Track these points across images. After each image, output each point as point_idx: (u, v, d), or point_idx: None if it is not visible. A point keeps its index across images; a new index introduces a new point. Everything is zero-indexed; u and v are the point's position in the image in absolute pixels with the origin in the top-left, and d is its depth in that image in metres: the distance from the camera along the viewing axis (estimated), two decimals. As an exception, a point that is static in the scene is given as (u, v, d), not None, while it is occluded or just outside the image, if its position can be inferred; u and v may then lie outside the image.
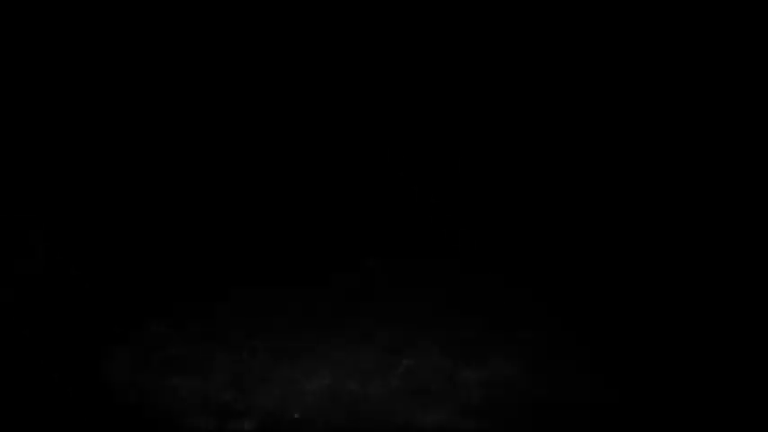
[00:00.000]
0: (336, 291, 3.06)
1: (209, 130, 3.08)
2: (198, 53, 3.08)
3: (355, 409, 2.82)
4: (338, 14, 3.09)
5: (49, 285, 2.99)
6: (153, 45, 3.05)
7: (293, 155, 3.08)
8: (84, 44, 3.05)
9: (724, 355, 2.97)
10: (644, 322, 3.03)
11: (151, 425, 2.81)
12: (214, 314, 3.04)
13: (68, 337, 2.92)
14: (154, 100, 3.06)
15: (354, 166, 3.08)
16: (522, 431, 2.79)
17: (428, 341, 2.98)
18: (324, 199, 3.08)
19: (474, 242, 3.08)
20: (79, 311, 2.97)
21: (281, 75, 3.09)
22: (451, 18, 3.10)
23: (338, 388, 2.87)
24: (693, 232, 3.10)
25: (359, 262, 3.08)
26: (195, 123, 3.07)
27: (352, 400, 2.85)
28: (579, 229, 3.09)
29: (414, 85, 3.10)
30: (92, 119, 3.06)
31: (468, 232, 3.09)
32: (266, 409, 2.83)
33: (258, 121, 3.09)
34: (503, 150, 3.10)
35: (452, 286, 3.07)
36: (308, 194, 3.07)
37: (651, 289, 3.08)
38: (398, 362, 2.94)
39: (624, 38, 3.10)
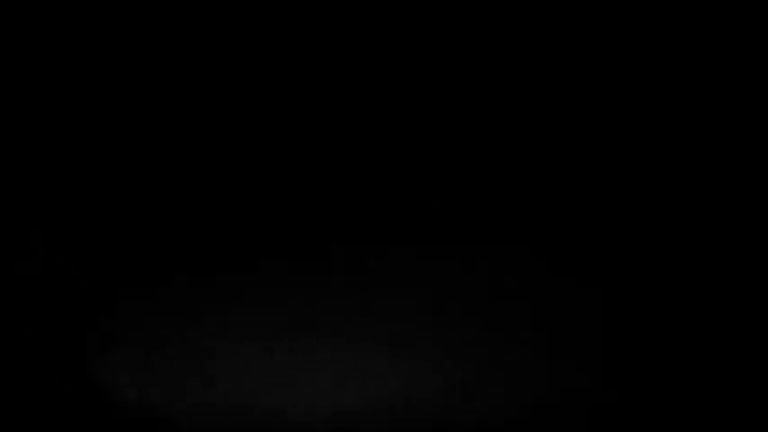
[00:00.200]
0: (336, 291, 3.06)
1: (210, 131, 3.07)
2: (197, 52, 3.07)
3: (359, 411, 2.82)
4: (338, 14, 3.08)
5: (48, 285, 2.99)
6: (153, 45, 3.05)
7: (293, 155, 3.08)
8: (84, 44, 3.04)
9: (718, 355, 2.97)
10: (643, 322, 3.04)
11: (151, 424, 2.81)
12: (214, 314, 3.04)
13: (68, 337, 2.92)
14: (154, 99, 3.06)
15: (354, 167, 3.08)
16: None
17: (428, 341, 2.99)
18: (323, 199, 3.07)
19: (474, 242, 3.08)
20: (79, 311, 2.97)
21: (281, 74, 3.09)
22: (451, 18, 3.09)
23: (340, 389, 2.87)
24: (689, 228, 3.10)
25: (358, 262, 3.08)
26: (195, 123, 3.07)
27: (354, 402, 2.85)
28: (579, 230, 3.09)
29: (414, 85, 3.10)
30: (92, 119, 3.06)
31: (468, 232, 3.08)
32: (267, 408, 2.83)
33: (258, 121, 3.09)
34: (503, 150, 3.10)
35: (452, 286, 3.06)
36: (308, 195, 3.06)
37: (651, 289, 3.08)
38: (400, 363, 2.95)
39: (624, 38, 3.10)
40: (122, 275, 3.02)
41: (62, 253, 3.01)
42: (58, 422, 2.84)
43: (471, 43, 3.09)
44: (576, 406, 2.94)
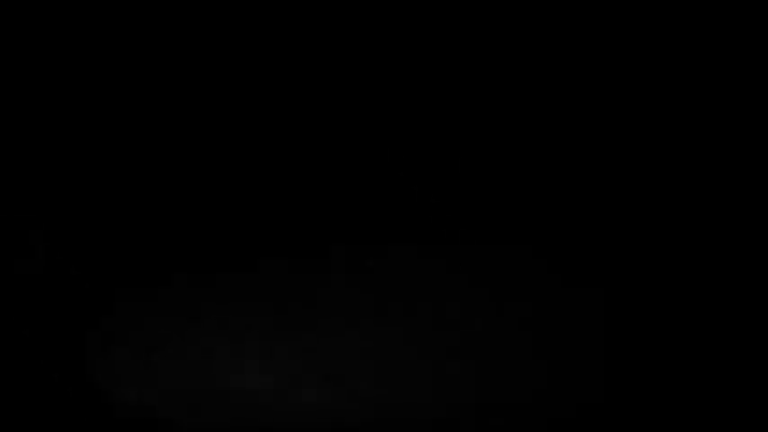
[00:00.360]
0: (336, 291, 3.06)
1: (210, 132, 3.07)
2: (198, 54, 3.08)
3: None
4: (338, 14, 3.08)
5: (48, 285, 2.99)
6: (153, 46, 3.05)
7: (293, 156, 3.08)
8: (84, 44, 3.04)
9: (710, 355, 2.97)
10: (640, 323, 3.04)
11: (151, 425, 2.81)
12: (215, 315, 3.04)
13: (68, 337, 2.92)
14: (154, 101, 3.06)
15: (354, 167, 3.08)
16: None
17: (429, 342, 2.99)
18: (323, 199, 3.07)
19: (473, 242, 3.08)
20: (79, 311, 2.97)
21: (280, 73, 3.09)
22: (451, 18, 3.09)
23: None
24: (686, 229, 3.10)
25: (358, 262, 3.08)
26: (195, 125, 3.07)
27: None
28: (580, 230, 3.09)
29: (413, 85, 3.10)
30: (91, 119, 3.06)
31: (468, 232, 3.08)
32: (266, 408, 2.84)
33: (258, 122, 3.09)
34: (503, 150, 3.10)
35: (452, 286, 3.07)
36: (308, 195, 3.06)
37: (648, 291, 3.08)
38: (400, 363, 2.95)
39: (623, 38, 3.10)
40: (122, 275, 3.02)
41: (62, 253, 3.01)
42: (57, 422, 2.84)
43: (471, 46, 3.09)
44: (576, 405, 2.95)
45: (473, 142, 3.10)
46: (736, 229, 3.08)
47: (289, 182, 3.09)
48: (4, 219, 3.00)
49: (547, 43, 3.10)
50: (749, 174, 3.09)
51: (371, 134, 3.09)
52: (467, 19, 3.09)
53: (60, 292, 2.98)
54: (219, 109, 3.08)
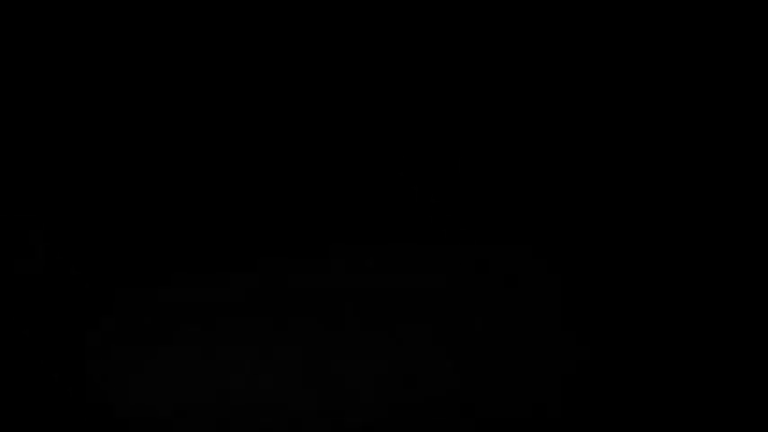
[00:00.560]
0: (336, 291, 3.06)
1: (210, 132, 3.07)
2: (198, 55, 3.08)
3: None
4: (338, 14, 3.08)
5: (49, 285, 2.99)
6: (154, 47, 3.05)
7: (292, 156, 3.08)
8: (84, 44, 3.04)
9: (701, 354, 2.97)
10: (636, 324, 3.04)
11: (149, 423, 2.81)
12: (217, 316, 3.04)
13: (68, 338, 2.92)
14: (153, 99, 3.06)
15: (353, 167, 3.08)
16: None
17: (429, 342, 2.99)
18: (322, 200, 3.07)
19: (474, 242, 3.08)
20: (79, 312, 2.97)
21: (280, 73, 3.09)
22: (451, 20, 3.10)
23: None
24: (677, 227, 3.10)
25: (358, 262, 3.08)
26: (195, 124, 3.07)
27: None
28: (580, 231, 3.09)
29: (413, 85, 3.10)
30: (92, 119, 3.06)
31: (468, 232, 3.08)
32: (265, 409, 2.84)
33: (256, 122, 3.09)
34: (503, 151, 3.10)
35: (453, 286, 3.07)
36: (306, 196, 3.06)
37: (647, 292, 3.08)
38: (401, 363, 2.95)
39: (623, 38, 3.10)
40: (122, 275, 3.02)
41: (62, 253, 3.01)
42: (57, 422, 2.84)
43: (471, 48, 3.09)
44: (575, 405, 2.95)
45: (473, 143, 3.10)
46: (735, 229, 3.08)
47: (288, 183, 3.08)
48: (4, 219, 3.00)
49: (546, 45, 3.10)
50: (742, 180, 3.09)
51: (372, 135, 3.09)
52: (466, 20, 3.10)
53: (60, 292, 2.98)
54: (219, 113, 3.08)
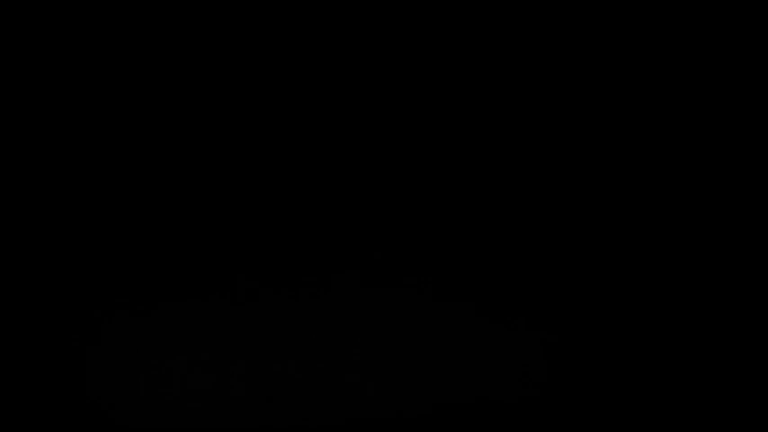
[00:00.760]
0: (336, 291, 3.07)
1: (210, 132, 3.07)
2: (198, 56, 3.07)
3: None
4: (337, 14, 3.08)
5: (48, 285, 2.99)
6: (154, 49, 3.04)
7: (292, 157, 3.07)
8: (84, 44, 3.04)
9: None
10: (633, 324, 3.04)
11: (148, 425, 2.82)
12: (216, 320, 3.04)
13: (67, 346, 2.92)
14: (154, 99, 3.06)
15: (353, 167, 3.07)
16: None
17: (429, 341, 2.99)
18: (322, 201, 3.07)
19: (473, 242, 3.08)
20: (79, 312, 2.98)
21: (280, 73, 3.08)
22: (450, 20, 3.09)
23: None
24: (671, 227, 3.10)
25: (358, 262, 3.08)
26: (196, 125, 3.07)
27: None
28: (580, 231, 3.09)
29: (413, 85, 3.09)
30: (92, 119, 3.05)
31: (468, 232, 3.08)
32: (263, 412, 2.84)
33: (256, 123, 3.09)
34: (504, 151, 3.10)
35: (452, 286, 3.07)
36: (306, 197, 3.06)
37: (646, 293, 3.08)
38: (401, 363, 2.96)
39: (622, 38, 3.09)
40: (123, 276, 3.02)
41: (62, 253, 3.01)
42: (56, 423, 2.84)
43: (471, 49, 3.08)
44: (575, 404, 2.95)
45: (472, 144, 3.10)
46: (735, 229, 3.08)
47: (280, 190, 3.07)
48: (5, 219, 3.00)
49: (545, 46, 3.09)
50: (750, 178, 3.09)
51: (372, 135, 3.09)
52: (466, 21, 3.08)
53: (60, 292, 2.98)
54: (222, 122, 3.07)
